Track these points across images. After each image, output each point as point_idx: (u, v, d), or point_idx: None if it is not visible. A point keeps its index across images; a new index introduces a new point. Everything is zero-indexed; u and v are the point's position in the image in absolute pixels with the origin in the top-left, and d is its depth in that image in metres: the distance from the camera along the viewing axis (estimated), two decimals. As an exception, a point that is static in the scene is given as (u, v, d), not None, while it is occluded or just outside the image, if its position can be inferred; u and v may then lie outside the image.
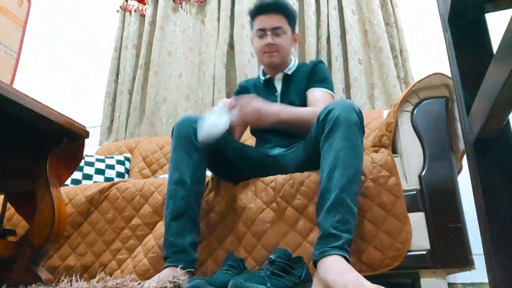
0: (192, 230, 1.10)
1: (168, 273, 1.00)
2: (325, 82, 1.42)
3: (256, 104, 1.20)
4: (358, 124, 1.03)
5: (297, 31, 2.32)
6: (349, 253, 0.90)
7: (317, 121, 1.10)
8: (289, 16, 1.46)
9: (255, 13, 1.46)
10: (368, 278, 1.06)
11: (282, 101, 1.44)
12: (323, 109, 1.09)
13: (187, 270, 1.02)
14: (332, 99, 1.39)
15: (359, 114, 1.05)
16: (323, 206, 0.96)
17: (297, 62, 1.53)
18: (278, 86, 1.49)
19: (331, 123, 1.03)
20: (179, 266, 1.01)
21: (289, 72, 1.48)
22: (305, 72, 1.46)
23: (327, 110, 1.06)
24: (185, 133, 1.15)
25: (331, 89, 1.43)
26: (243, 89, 1.56)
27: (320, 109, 1.12)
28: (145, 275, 1.18)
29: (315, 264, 0.91)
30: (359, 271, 1.04)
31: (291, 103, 1.38)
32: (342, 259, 0.87)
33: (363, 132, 1.06)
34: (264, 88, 1.51)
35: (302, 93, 1.42)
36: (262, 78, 1.53)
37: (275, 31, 1.42)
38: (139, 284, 0.90)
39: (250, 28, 1.53)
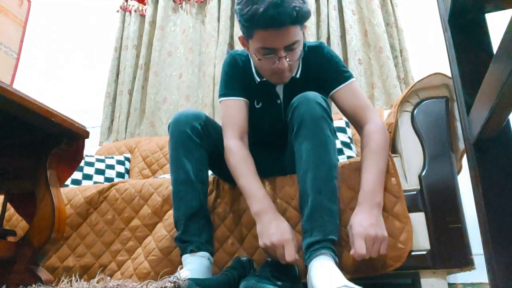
0: (208, 227, 1.10)
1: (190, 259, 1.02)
2: (341, 70, 1.19)
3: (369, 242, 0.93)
4: (324, 116, 1.01)
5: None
6: (334, 251, 0.92)
7: (286, 119, 1.08)
8: (307, 18, 1.06)
9: (258, 25, 1.01)
10: (370, 278, 1.06)
11: (285, 109, 1.18)
12: (289, 107, 1.06)
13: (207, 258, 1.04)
14: (357, 85, 1.19)
15: (323, 105, 1.02)
16: (304, 211, 0.97)
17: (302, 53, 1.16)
18: (280, 90, 1.21)
19: (298, 121, 1.02)
20: (200, 252, 1.03)
21: (297, 75, 1.19)
22: (312, 70, 1.20)
23: (292, 108, 1.05)
24: (183, 130, 1.11)
25: (348, 72, 1.20)
26: (235, 79, 1.23)
27: (375, 119, 1.09)
28: (146, 278, 1.18)
29: (306, 267, 0.93)
30: (361, 272, 1.04)
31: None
32: (325, 262, 0.89)
33: (331, 120, 1.04)
34: (262, 90, 1.22)
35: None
36: (258, 79, 1.21)
37: (290, 47, 1.05)
38: (139, 284, 0.90)
39: (241, 31, 1.11)
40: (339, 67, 1.20)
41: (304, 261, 0.94)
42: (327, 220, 0.94)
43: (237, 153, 1.11)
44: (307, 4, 1.04)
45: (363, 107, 1.14)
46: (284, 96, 1.21)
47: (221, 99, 1.23)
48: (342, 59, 2.23)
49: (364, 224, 0.94)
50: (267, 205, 1.02)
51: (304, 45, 1.18)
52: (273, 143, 1.31)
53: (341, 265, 1.04)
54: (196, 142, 1.11)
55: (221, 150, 1.17)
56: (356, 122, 1.15)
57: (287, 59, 1.06)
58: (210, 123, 1.19)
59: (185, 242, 1.06)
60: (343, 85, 1.17)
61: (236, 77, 1.22)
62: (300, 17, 1.00)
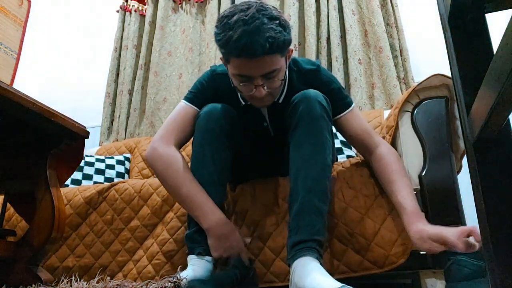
0: None
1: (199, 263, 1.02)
2: (341, 97, 1.14)
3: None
4: (323, 115, 1.00)
5: (295, 36, 2.32)
6: (319, 253, 0.90)
7: (286, 116, 1.07)
8: (285, 48, 1.00)
9: (232, 53, 0.96)
10: (370, 278, 1.06)
11: (275, 132, 1.19)
12: (289, 103, 1.05)
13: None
14: (358, 110, 1.17)
15: (324, 104, 1.01)
16: (292, 208, 0.96)
17: (286, 75, 1.12)
18: (265, 112, 1.17)
19: (296, 119, 1.01)
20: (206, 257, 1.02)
21: (280, 101, 1.13)
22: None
23: (292, 105, 1.03)
24: (213, 127, 1.06)
25: (348, 97, 1.16)
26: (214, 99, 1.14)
27: (383, 142, 1.11)
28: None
29: (289, 265, 0.92)
30: (365, 269, 1.04)
31: (282, 133, 1.12)
32: (308, 262, 0.87)
33: (330, 120, 1.04)
34: (248, 113, 1.16)
35: None
36: (242, 102, 1.15)
37: (268, 75, 1.00)
38: (139, 284, 0.90)
39: (220, 53, 1.03)
40: (339, 93, 1.14)
41: (287, 260, 0.92)
42: (315, 220, 0.92)
43: (177, 160, 1.06)
44: (288, 31, 0.98)
45: (369, 132, 1.13)
46: (270, 120, 1.17)
47: (183, 101, 1.16)
48: (342, 61, 2.25)
49: (426, 228, 0.92)
50: (218, 217, 1.02)
51: (300, 67, 1.15)
52: (268, 148, 1.29)
53: (346, 263, 1.05)
54: (223, 142, 1.08)
55: (239, 154, 1.16)
56: (364, 147, 1.13)
57: (265, 87, 1.01)
58: (237, 122, 1.13)
59: (195, 243, 1.04)
60: (344, 113, 1.13)
61: (207, 94, 1.16)
62: (275, 48, 0.94)
